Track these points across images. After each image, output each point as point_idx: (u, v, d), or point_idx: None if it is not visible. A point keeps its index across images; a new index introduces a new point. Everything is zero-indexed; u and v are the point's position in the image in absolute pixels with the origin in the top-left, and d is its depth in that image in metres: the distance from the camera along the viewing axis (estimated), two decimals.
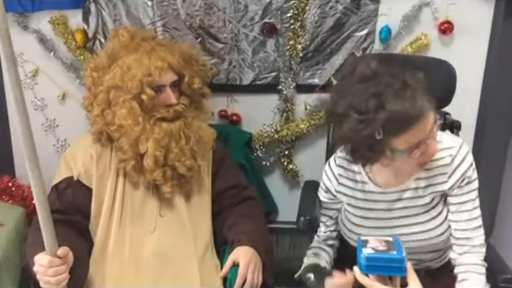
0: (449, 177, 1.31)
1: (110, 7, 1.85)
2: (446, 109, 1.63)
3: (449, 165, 1.30)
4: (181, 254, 1.53)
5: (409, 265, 1.10)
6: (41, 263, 1.26)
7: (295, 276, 1.42)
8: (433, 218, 1.35)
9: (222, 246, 1.62)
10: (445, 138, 1.33)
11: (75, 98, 1.94)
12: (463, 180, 1.31)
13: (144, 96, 1.45)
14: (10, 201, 1.87)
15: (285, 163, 2.00)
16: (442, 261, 1.46)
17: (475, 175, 1.32)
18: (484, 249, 1.34)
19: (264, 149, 1.98)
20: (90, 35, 1.89)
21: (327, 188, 1.46)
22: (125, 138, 1.47)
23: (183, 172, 1.50)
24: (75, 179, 1.52)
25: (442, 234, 1.34)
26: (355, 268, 1.12)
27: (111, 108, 1.49)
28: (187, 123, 1.52)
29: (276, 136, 1.95)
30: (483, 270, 1.31)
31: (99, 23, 1.87)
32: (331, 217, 1.49)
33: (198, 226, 1.58)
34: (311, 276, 1.37)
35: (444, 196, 1.35)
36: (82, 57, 1.88)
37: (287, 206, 2.01)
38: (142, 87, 1.44)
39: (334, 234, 1.51)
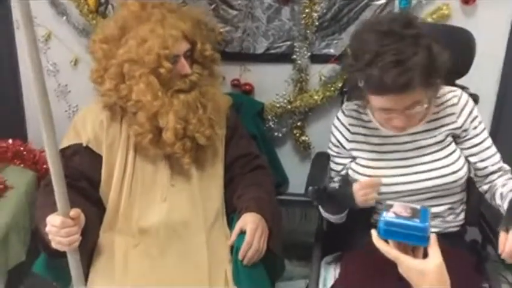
0: (459, 116, 1.37)
1: None
2: (466, 82, 1.58)
3: (456, 105, 1.38)
4: (190, 224, 1.52)
5: (433, 237, 1.05)
6: (54, 223, 1.26)
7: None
8: (448, 156, 1.38)
9: (230, 215, 1.61)
10: (444, 86, 1.38)
11: (87, 63, 1.92)
12: (473, 120, 1.37)
13: (161, 70, 1.42)
14: (21, 165, 1.88)
15: (297, 134, 1.97)
16: (454, 223, 1.45)
17: (480, 116, 1.39)
18: None
19: (276, 120, 1.95)
20: None
21: (338, 140, 1.47)
22: (143, 113, 1.44)
23: (202, 142, 1.48)
24: (84, 145, 1.50)
25: (458, 171, 1.37)
26: (373, 231, 1.08)
27: (125, 82, 1.45)
28: (202, 92, 1.49)
29: (289, 107, 1.92)
30: None
31: None
32: (338, 172, 1.49)
33: (209, 195, 1.57)
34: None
35: (456, 138, 1.39)
36: (94, 21, 1.86)
37: (298, 178, 1.96)
38: (159, 60, 1.41)
39: None
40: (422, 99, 1.24)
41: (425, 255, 1.07)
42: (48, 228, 1.27)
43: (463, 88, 1.58)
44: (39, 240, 1.37)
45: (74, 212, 1.27)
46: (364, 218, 1.48)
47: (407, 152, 1.40)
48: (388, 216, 1.05)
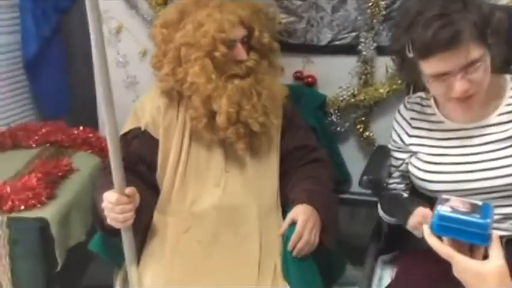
0: None
1: None
2: None
3: None
4: (242, 210, 1.50)
5: (495, 236, 0.93)
6: (109, 199, 1.29)
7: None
8: None
9: (285, 207, 1.57)
10: None
11: None
12: None
13: (216, 53, 1.43)
14: (90, 151, 1.96)
15: (361, 129, 1.89)
16: None
17: None
18: None
19: (338, 114, 1.88)
20: None
21: (398, 135, 1.40)
22: (197, 96, 1.46)
23: (256, 129, 1.47)
24: (143, 129, 1.53)
25: None
26: (425, 227, 0.98)
27: (182, 66, 1.47)
28: (258, 79, 1.48)
29: (353, 100, 1.84)
30: None
31: None
32: (397, 167, 1.42)
33: (263, 184, 1.55)
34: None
35: None
36: None
37: None
38: (215, 43, 1.42)
39: (401, 186, 1.43)
40: (479, 57, 1.14)
41: (484, 257, 0.94)
42: (104, 204, 1.31)
43: None
44: (95, 217, 1.41)
45: (129, 189, 1.30)
46: (427, 205, 1.38)
47: (474, 147, 1.29)
48: (443, 210, 0.95)
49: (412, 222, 1.27)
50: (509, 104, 1.27)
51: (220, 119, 1.44)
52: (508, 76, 1.30)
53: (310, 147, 1.61)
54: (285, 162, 1.59)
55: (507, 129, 1.26)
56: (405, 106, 1.41)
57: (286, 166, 1.59)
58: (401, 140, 1.39)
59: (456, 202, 0.97)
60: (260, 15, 1.56)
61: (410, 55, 1.20)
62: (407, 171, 1.38)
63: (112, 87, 2.03)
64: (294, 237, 1.37)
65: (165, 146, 1.53)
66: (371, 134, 1.89)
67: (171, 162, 1.52)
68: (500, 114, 1.27)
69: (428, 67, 1.18)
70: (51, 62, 2.16)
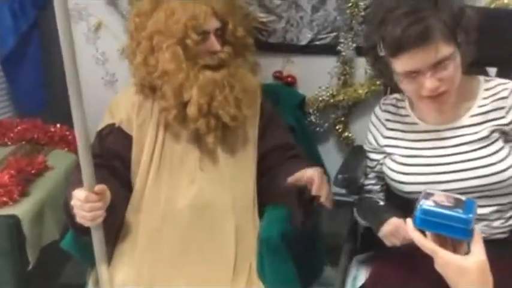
0: (508, 111, 1.25)
1: None
2: None
3: (506, 99, 1.25)
4: (218, 208, 1.48)
5: (477, 231, 0.93)
6: (78, 197, 1.27)
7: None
8: (494, 153, 1.24)
9: (262, 208, 1.56)
10: (496, 78, 1.29)
11: None
12: None
13: (188, 41, 1.42)
14: (66, 149, 1.94)
15: (340, 130, 1.89)
16: (503, 230, 1.31)
17: None
18: None
19: (318, 114, 1.87)
20: None
21: (373, 136, 1.40)
22: (168, 85, 1.44)
23: (226, 121, 1.46)
24: (117, 125, 1.52)
25: (504, 170, 1.23)
26: (408, 220, 0.97)
27: (154, 54, 1.46)
28: (231, 72, 1.47)
29: (332, 101, 1.84)
30: None
31: None
32: (372, 168, 1.42)
33: (239, 182, 1.53)
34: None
35: (505, 135, 1.26)
36: None
37: None
38: (186, 31, 1.41)
39: (377, 187, 1.43)
40: (449, 54, 1.15)
41: (467, 254, 0.94)
42: (73, 202, 1.29)
43: None
44: (67, 215, 1.38)
45: (99, 187, 1.28)
46: (401, 216, 1.38)
47: (447, 148, 1.29)
48: (426, 204, 0.94)
49: (384, 231, 1.29)
50: (481, 106, 1.27)
51: (191, 110, 1.43)
52: (481, 77, 1.30)
53: (289, 145, 1.60)
54: (264, 161, 1.58)
55: (479, 131, 1.26)
56: (380, 107, 1.41)
57: (265, 164, 1.57)
58: (376, 141, 1.40)
59: (440, 197, 0.97)
60: (235, 9, 1.55)
61: (382, 53, 1.20)
62: (383, 172, 1.38)
63: (91, 85, 2.03)
64: (316, 185, 1.35)
65: (139, 142, 1.51)
66: (350, 135, 1.89)
67: (145, 160, 1.51)
68: (472, 116, 1.28)
69: (399, 65, 1.18)
70: (29, 58, 2.13)
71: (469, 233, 0.92)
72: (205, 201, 1.48)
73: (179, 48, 1.42)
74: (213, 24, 1.45)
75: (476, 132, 1.26)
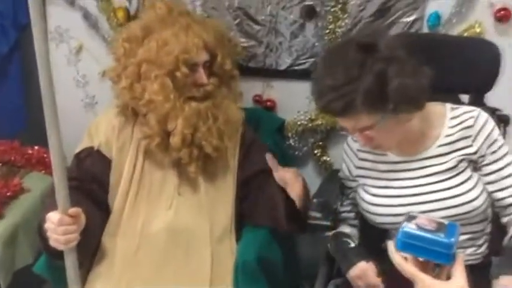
0: (474, 140, 1.25)
1: None
2: (497, 103, 1.49)
3: (472, 127, 1.25)
4: (195, 234, 1.48)
5: (459, 256, 0.93)
6: (52, 220, 1.25)
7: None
8: (462, 183, 1.25)
9: (239, 233, 1.56)
10: (462, 106, 1.30)
11: None
12: (491, 144, 1.25)
13: (178, 74, 1.42)
14: (43, 172, 1.92)
15: (318, 154, 1.90)
16: (476, 257, 1.33)
17: (502, 139, 1.27)
18: None
19: (297, 138, 1.89)
20: (131, 12, 1.91)
21: (347, 166, 1.41)
22: (153, 114, 1.44)
23: (209, 152, 1.46)
24: (96, 148, 1.51)
25: (472, 200, 1.24)
26: (389, 243, 0.96)
27: (140, 82, 1.46)
28: (215, 103, 1.48)
29: (310, 125, 1.86)
30: None
31: (140, 1, 1.89)
32: (347, 196, 1.43)
33: (217, 209, 1.53)
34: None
35: (473, 163, 1.26)
36: None
37: None
38: (177, 63, 1.42)
39: (351, 214, 1.44)
40: (372, 124, 1.16)
41: (448, 279, 0.93)
42: (46, 225, 1.27)
43: (495, 110, 1.49)
44: (40, 238, 1.36)
45: (74, 210, 1.26)
46: (375, 242, 1.40)
47: (417, 179, 1.29)
48: (408, 227, 0.94)
49: (351, 274, 1.30)
50: (448, 135, 1.27)
51: (174, 140, 1.43)
52: (447, 105, 1.30)
53: (271, 170, 1.61)
54: (247, 185, 1.58)
55: (447, 161, 1.26)
56: (352, 137, 1.40)
57: (248, 189, 1.57)
58: (349, 171, 1.40)
59: (422, 220, 0.96)
60: (224, 41, 1.57)
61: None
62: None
63: (71, 107, 2.03)
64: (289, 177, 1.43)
65: (118, 167, 1.51)
66: (328, 159, 1.90)
67: (123, 183, 1.50)
68: (440, 146, 1.27)
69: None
70: (9, 79, 2.12)
71: (451, 258, 0.92)
72: (182, 227, 1.47)
73: (168, 79, 1.42)
74: (203, 56, 1.46)
75: (443, 163, 1.26)
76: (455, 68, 1.22)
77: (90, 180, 1.49)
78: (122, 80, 1.49)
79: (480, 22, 1.66)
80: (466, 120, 1.26)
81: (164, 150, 1.47)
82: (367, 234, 1.38)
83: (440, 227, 0.94)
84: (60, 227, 1.24)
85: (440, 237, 0.91)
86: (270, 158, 1.45)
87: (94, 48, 1.99)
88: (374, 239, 1.39)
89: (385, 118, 1.15)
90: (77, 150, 1.54)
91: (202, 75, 1.46)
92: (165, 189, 1.51)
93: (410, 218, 0.97)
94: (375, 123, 1.15)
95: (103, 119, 1.57)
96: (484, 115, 1.26)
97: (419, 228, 0.93)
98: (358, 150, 1.37)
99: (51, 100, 1.19)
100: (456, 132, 1.26)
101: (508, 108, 1.49)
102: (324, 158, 1.90)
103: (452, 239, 0.91)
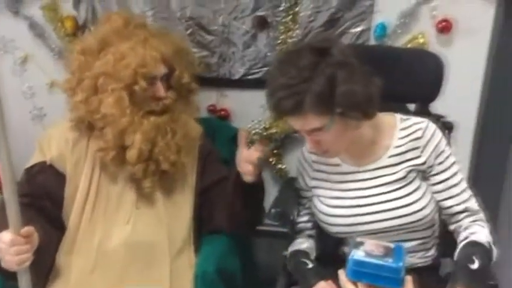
0: (422, 151, 1.29)
1: None
2: (443, 111, 1.56)
3: (420, 139, 1.29)
4: (153, 248, 1.47)
5: (409, 279, 0.97)
6: (3, 240, 1.22)
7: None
8: (411, 193, 1.30)
9: (197, 245, 1.56)
10: (411, 116, 1.33)
11: None
12: (438, 155, 1.29)
13: (136, 87, 1.40)
14: None
15: (273, 162, 1.93)
16: (426, 259, 1.38)
17: (448, 149, 1.31)
18: (482, 214, 1.32)
19: (251, 146, 1.91)
20: (80, 22, 1.87)
21: (302, 176, 1.43)
22: (110, 128, 1.42)
23: (165, 168, 1.45)
24: (48, 163, 1.47)
25: (421, 209, 1.28)
26: (340, 272, 1.00)
27: (97, 95, 1.44)
28: (174, 117, 1.48)
29: (265, 133, 1.89)
30: (484, 224, 1.30)
31: (89, 10, 1.86)
32: (304, 206, 1.45)
33: (175, 223, 1.52)
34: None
35: (421, 173, 1.31)
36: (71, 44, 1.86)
37: None
38: (135, 77, 1.40)
39: (309, 224, 1.45)
40: (320, 126, 1.18)
41: None
42: None
43: (439, 117, 1.57)
44: None
45: (26, 230, 1.23)
46: (331, 249, 1.43)
47: (368, 189, 1.32)
48: (357, 255, 0.97)
49: None
50: (398, 146, 1.30)
51: (130, 154, 1.41)
52: (398, 116, 1.34)
53: (226, 179, 1.61)
54: (204, 195, 1.58)
55: (397, 171, 1.30)
56: (306, 148, 1.41)
57: (205, 199, 1.58)
58: (304, 181, 1.43)
59: (370, 246, 0.99)
60: (182, 54, 1.56)
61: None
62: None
63: (18, 119, 1.96)
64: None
65: (73, 182, 1.47)
66: (284, 167, 1.94)
67: (79, 199, 1.46)
68: (390, 157, 1.31)
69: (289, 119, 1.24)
70: None
71: (400, 282, 0.95)
72: (141, 241, 1.46)
73: (125, 93, 1.40)
74: (161, 70, 1.45)
75: (394, 173, 1.30)
76: (402, 79, 1.27)
77: (43, 196, 1.45)
78: (77, 93, 1.46)
79: (423, 33, 1.74)
80: (415, 131, 1.30)
81: (119, 164, 1.44)
82: (325, 242, 1.41)
83: (387, 252, 0.98)
84: (13, 247, 1.21)
85: (389, 262, 0.96)
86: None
87: (41, 59, 1.93)
88: (331, 246, 1.42)
89: (333, 122, 1.17)
90: (28, 165, 1.49)
91: (160, 89, 1.45)
92: (123, 204, 1.49)
93: (357, 244, 1.00)
94: (323, 125, 1.18)
95: (55, 132, 1.53)
96: (432, 127, 1.30)
97: (368, 254, 0.97)
98: (313, 161, 1.39)
99: None
100: (405, 143, 1.30)
101: (452, 115, 1.57)
102: (280, 165, 1.93)
103: (400, 263, 0.96)
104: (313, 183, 1.40)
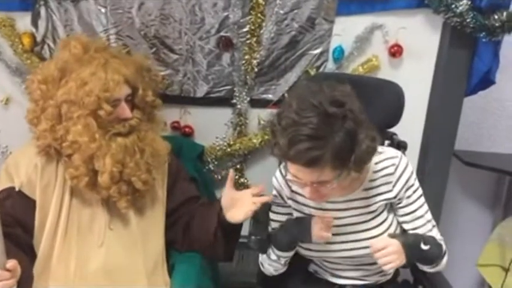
0: (394, 185, 1.36)
1: (61, 11, 1.78)
2: (393, 129, 1.68)
3: (393, 174, 1.36)
4: (130, 270, 1.49)
5: None
6: None
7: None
8: (378, 225, 1.39)
9: (171, 261, 1.60)
10: (385, 149, 1.41)
11: (19, 103, 1.85)
12: (408, 189, 1.37)
13: (101, 112, 1.41)
14: None
15: (236, 177, 1.99)
16: (388, 276, 1.51)
17: (417, 182, 1.39)
18: (443, 243, 1.40)
19: (216, 162, 1.96)
20: (38, 39, 1.81)
21: (279, 193, 1.47)
22: (78, 155, 1.42)
23: (139, 187, 1.47)
24: (17, 189, 1.44)
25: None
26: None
27: (62, 123, 1.43)
28: (140, 136, 1.49)
29: (229, 150, 1.94)
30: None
31: (48, 27, 1.80)
32: (280, 222, 1.48)
33: (149, 240, 1.55)
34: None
35: (389, 205, 1.40)
36: (29, 61, 1.80)
37: None
38: (99, 103, 1.40)
39: None
40: (331, 179, 1.20)
41: None
42: None
43: (392, 135, 1.69)
44: None
45: (12, 264, 1.23)
46: (301, 267, 1.54)
47: (342, 219, 1.39)
48: None
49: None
50: (372, 180, 1.36)
51: (103, 179, 1.42)
52: None
53: (196, 197, 1.67)
54: (174, 214, 1.61)
55: (370, 204, 1.37)
56: (281, 172, 1.43)
57: (175, 218, 1.61)
58: (281, 198, 1.46)
59: None
60: (143, 73, 1.58)
61: (275, 149, 1.22)
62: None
63: None
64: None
65: (43, 207, 1.46)
66: (246, 181, 2.00)
67: (50, 224, 1.46)
68: (364, 189, 1.37)
69: (288, 166, 1.23)
70: None
71: None
72: (116, 263, 1.48)
73: (91, 119, 1.40)
74: (124, 91, 1.46)
75: (367, 206, 1.38)
76: (366, 107, 1.33)
77: (13, 224, 1.42)
78: (41, 122, 1.44)
79: (377, 56, 1.88)
80: (388, 167, 1.36)
81: (93, 189, 1.45)
82: (295, 258, 1.48)
83: None
84: None
85: None
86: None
87: None
88: (299, 262, 1.51)
89: (343, 175, 1.21)
90: None
91: (125, 110, 1.45)
92: (96, 227, 1.50)
93: None
94: (333, 178, 1.20)
95: (22, 156, 1.50)
96: (404, 162, 1.37)
97: None
98: (287, 184, 1.43)
99: None
100: (378, 178, 1.36)
101: (404, 135, 1.71)
102: (242, 180, 2.00)
103: None
104: (290, 202, 1.45)
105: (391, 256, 1.28)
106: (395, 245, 1.29)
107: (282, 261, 1.46)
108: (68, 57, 1.46)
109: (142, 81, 1.53)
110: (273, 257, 1.46)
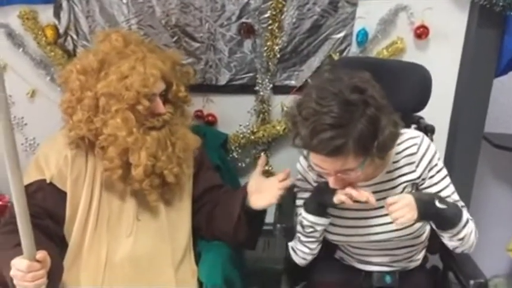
0: (417, 165, 1.34)
1: (83, 3, 1.79)
2: (420, 113, 1.64)
3: (415, 154, 1.34)
4: (157, 259, 1.51)
5: None
6: (19, 267, 1.22)
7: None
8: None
9: (197, 249, 1.62)
10: (407, 130, 1.38)
11: (45, 95, 1.89)
12: (431, 169, 1.34)
13: (139, 107, 1.42)
14: None
15: None
16: (417, 261, 1.49)
17: (441, 163, 1.37)
18: (472, 223, 1.36)
19: (239, 150, 1.95)
20: (61, 30, 1.83)
21: (305, 177, 1.46)
22: (114, 147, 1.43)
23: (170, 180, 1.48)
24: (48, 181, 1.46)
25: (413, 223, 1.34)
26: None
27: (98, 115, 1.44)
28: (172, 130, 1.50)
29: (252, 137, 1.93)
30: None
31: (71, 19, 1.82)
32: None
33: (176, 230, 1.57)
34: None
35: (415, 186, 1.38)
36: (53, 53, 1.83)
37: None
38: (138, 98, 1.41)
39: None
40: (355, 167, 1.19)
41: None
42: (13, 273, 1.24)
43: (419, 119, 1.66)
44: (1, 284, 1.31)
45: (41, 254, 1.24)
46: (328, 254, 1.53)
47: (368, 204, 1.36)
48: None
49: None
50: (395, 161, 1.35)
51: (137, 172, 1.43)
52: None
53: (219, 186, 1.67)
54: (198, 202, 1.62)
55: (395, 186, 1.35)
56: (305, 158, 1.42)
57: (199, 205, 1.62)
58: (307, 181, 1.45)
59: None
60: (177, 68, 1.58)
61: (296, 140, 1.21)
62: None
63: None
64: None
65: (74, 199, 1.48)
66: (270, 168, 1.99)
67: (81, 215, 1.48)
68: (388, 172, 1.36)
69: (312, 156, 1.23)
70: None
71: None
72: (144, 253, 1.49)
73: (130, 113, 1.41)
74: (161, 86, 1.47)
75: (392, 188, 1.36)
76: (392, 91, 1.30)
77: (44, 216, 1.45)
78: (77, 112, 1.45)
79: (402, 38, 1.83)
80: (410, 147, 1.34)
81: (125, 181, 1.47)
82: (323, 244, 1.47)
83: None
84: (29, 274, 1.22)
85: None
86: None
87: (21, 68, 1.87)
88: (326, 249, 1.50)
89: (367, 162, 1.20)
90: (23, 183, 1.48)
91: (160, 105, 1.47)
92: (125, 218, 1.51)
93: None
94: (356, 166, 1.19)
95: (51, 149, 1.51)
96: (426, 141, 1.35)
97: None
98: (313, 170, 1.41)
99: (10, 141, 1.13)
100: (401, 158, 1.35)
101: (431, 119, 1.67)
102: (266, 167, 1.98)
103: None
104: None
105: (402, 210, 1.23)
106: (407, 198, 1.25)
107: (317, 234, 1.40)
108: (109, 50, 1.47)
109: (175, 77, 1.54)
110: (302, 246, 1.45)
